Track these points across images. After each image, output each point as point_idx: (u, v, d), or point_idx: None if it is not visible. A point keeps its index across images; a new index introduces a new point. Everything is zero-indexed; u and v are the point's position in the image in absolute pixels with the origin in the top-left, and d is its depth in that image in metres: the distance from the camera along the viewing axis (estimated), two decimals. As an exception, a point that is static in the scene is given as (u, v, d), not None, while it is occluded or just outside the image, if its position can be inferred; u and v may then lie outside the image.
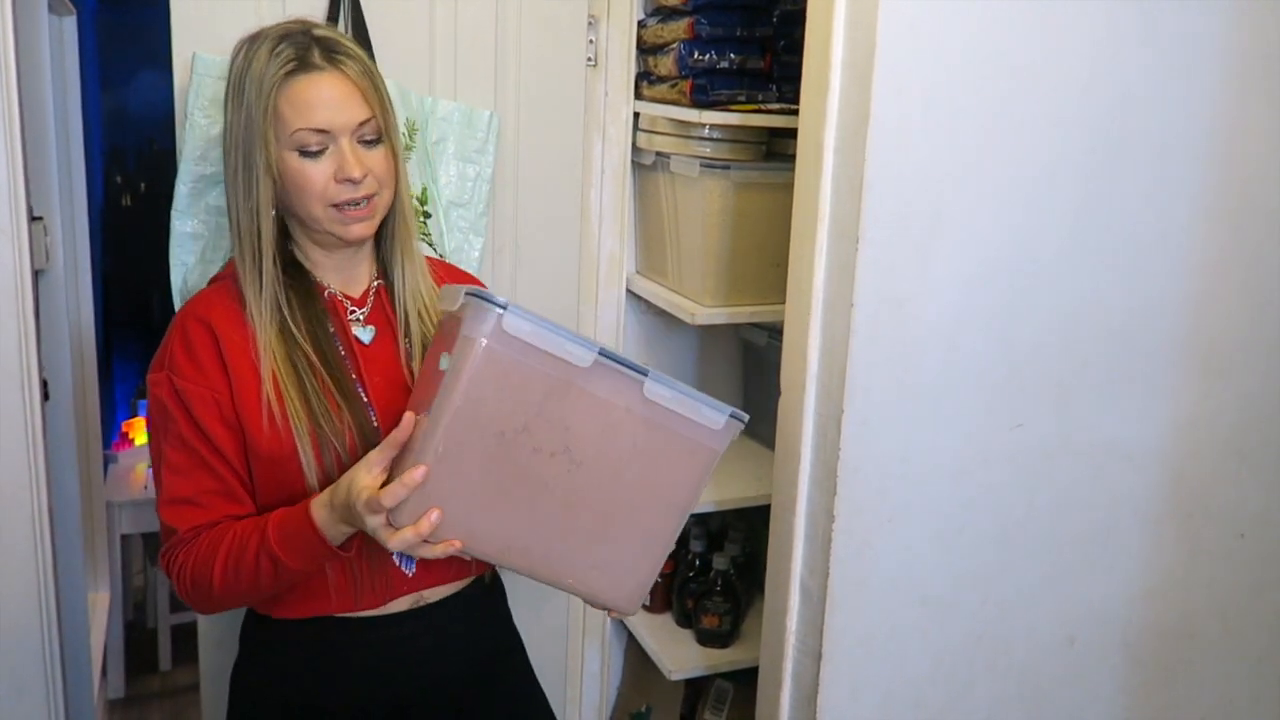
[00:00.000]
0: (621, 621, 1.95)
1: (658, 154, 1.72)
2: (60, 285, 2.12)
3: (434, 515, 0.94)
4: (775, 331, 1.83)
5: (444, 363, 0.96)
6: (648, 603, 1.90)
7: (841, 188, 1.12)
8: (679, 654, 1.79)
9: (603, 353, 0.96)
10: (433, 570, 1.16)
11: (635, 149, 1.77)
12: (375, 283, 1.18)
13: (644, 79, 1.73)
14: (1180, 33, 1.17)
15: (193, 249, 1.42)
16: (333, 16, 1.46)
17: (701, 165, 1.62)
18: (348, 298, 1.16)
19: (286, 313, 1.09)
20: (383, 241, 1.18)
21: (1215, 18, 1.17)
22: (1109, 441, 1.27)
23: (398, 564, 1.14)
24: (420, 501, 0.94)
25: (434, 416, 0.93)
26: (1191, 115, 1.20)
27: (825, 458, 1.17)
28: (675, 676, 1.77)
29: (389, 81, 1.47)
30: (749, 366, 2.01)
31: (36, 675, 1.38)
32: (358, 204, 1.08)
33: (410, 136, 1.50)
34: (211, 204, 1.41)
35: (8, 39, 1.27)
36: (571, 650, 1.91)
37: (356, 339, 1.14)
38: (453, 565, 1.17)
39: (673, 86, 1.64)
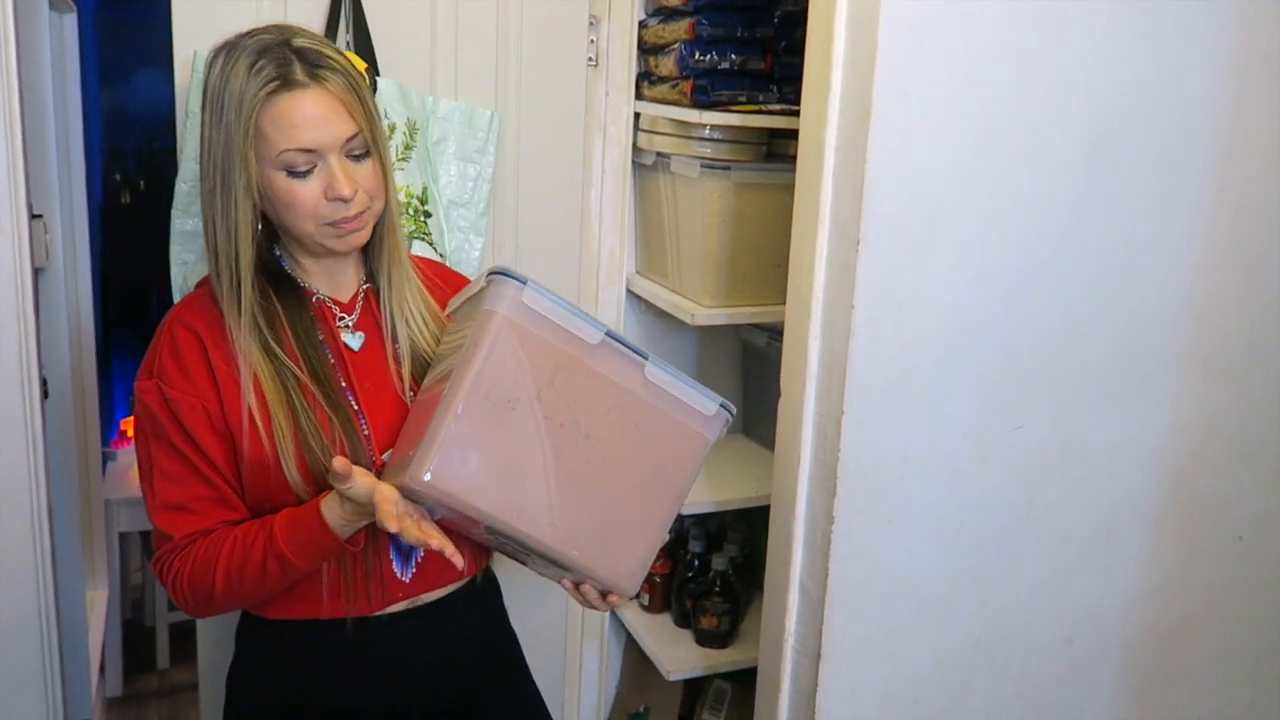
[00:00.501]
0: (620, 621, 1.95)
1: (658, 154, 1.72)
2: (60, 283, 2.12)
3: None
4: (775, 332, 1.83)
5: (452, 374, 1.01)
6: (645, 602, 1.90)
7: (842, 188, 1.12)
8: (677, 654, 1.79)
9: (609, 334, 1.03)
10: (428, 576, 1.15)
11: (636, 149, 1.77)
12: (364, 287, 1.17)
13: (645, 79, 1.74)
14: (1180, 33, 1.17)
15: (193, 247, 1.42)
16: (334, 16, 1.46)
17: (702, 166, 1.62)
18: (336, 303, 1.15)
19: (268, 332, 1.08)
20: (371, 248, 1.16)
21: (1214, 19, 1.18)
22: (1108, 443, 1.27)
23: (396, 573, 1.13)
24: (443, 456, 0.98)
25: (455, 382, 0.98)
26: (1191, 116, 1.20)
27: (825, 458, 1.17)
28: (674, 677, 1.77)
29: (390, 81, 1.48)
30: (749, 367, 2.01)
31: (35, 673, 1.38)
32: (349, 219, 1.06)
33: (411, 136, 1.50)
34: (212, 202, 1.40)
35: (8, 36, 1.27)
36: (570, 650, 1.91)
37: (346, 346, 1.13)
38: (448, 570, 1.17)
39: (673, 87, 1.64)
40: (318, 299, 1.14)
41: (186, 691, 2.57)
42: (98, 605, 2.49)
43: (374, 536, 1.07)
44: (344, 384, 1.11)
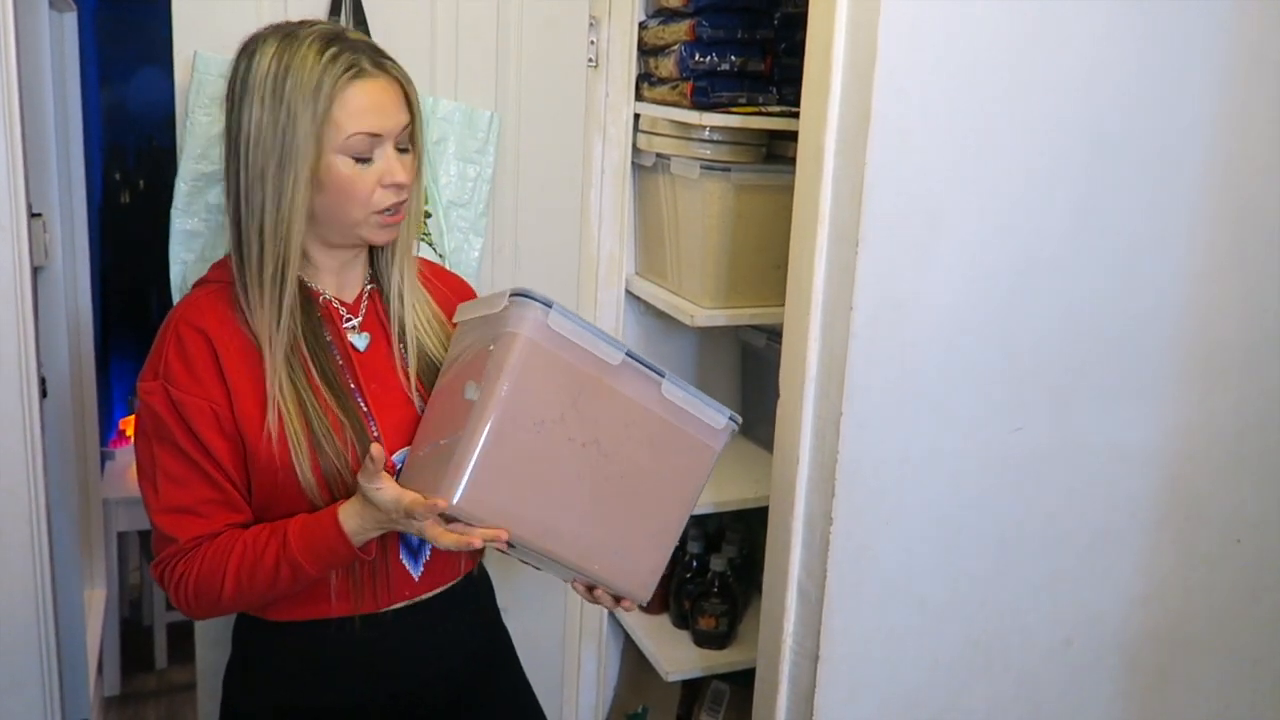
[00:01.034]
0: (618, 622, 1.95)
1: (658, 155, 1.72)
2: (59, 282, 2.12)
3: (505, 535, 1.00)
4: (774, 334, 1.83)
5: (470, 392, 1.02)
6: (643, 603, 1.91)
7: (842, 190, 1.12)
8: (676, 655, 1.79)
9: (629, 354, 1.06)
10: (436, 572, 1.15)
11: (635, 150, 1.77)
12: (368, 287, 1.17)
13: (645, 80, 1.74)
14: (1180, 35, 1.17)
15: (192, 247, 1.42)
16: (334, 16, 1.46)
17: (702, 167, 1.62)
18: (342, 303, 1.15)
19: (300, 332, 1.08)
20: (377, 254, 1.17)
21: (1214, 20, 1.18)
22: (1107, 445, 1.27)
23: (407, 569, 1.13)
24: (472, 480, 0.99)
25: (481, 404, 0.99)
26: (1191, 118, 1.20)
27: (824, 460, 1.17)
28: (672, 677, 1.77)
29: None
30: (748, 368, 2.01)
31: (32, 672, 1.38)
32: (393, 211, 1.09)
33: (411, 136, 1.50)
34: (211, 202, 1.41)
35: (8, 35, 1.27)
36: (568, 651, 1.91)
37: (353, 346, 1.13)
38: (454, 565, 1.17)
39: (673, 88, 1.64)
40: (324, 299, 1.14)
41: (184, 691, 2.57)
42: (96, 604, 2.49)
43: (384, 535, 1.07)
44: (352, 385, 1.11)
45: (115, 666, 2.54)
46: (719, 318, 1.67)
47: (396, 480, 1.03)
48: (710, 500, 1.74)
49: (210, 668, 1.54)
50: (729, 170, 1.62)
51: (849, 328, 1.12)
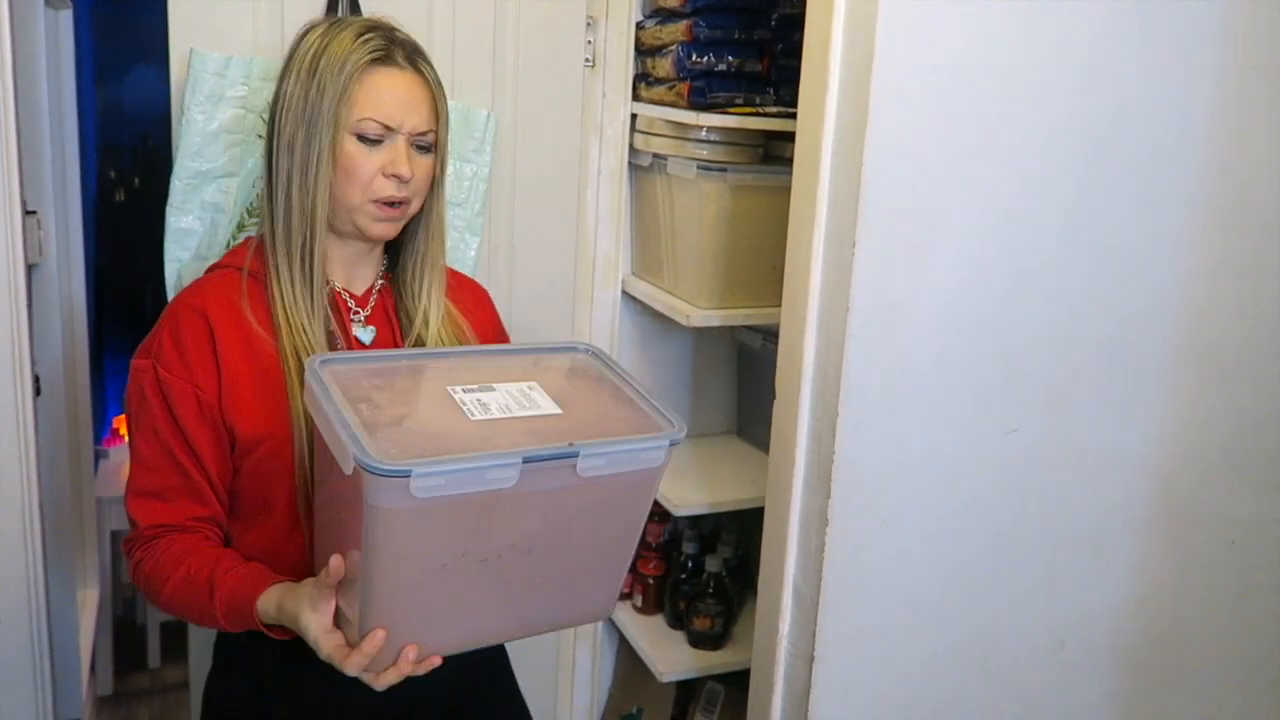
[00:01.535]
0: (614, 623, 1.95)
1: (655, 156, 1.72)
2: (53, 280, 2.12)
3: (412, 654, 0.94)
4: (770, 334, 1.83)
5: (355, 556, 0.91)
6: (638, 603, 1.90)
7: (839, 191, 1.12)
8: (670, 656, 1.79)
9: (528, 459, 0.87)
10: None
11: (632, 150, 1.77)
12: (379, 282, 1.18)
13: (642, 80, 1.74)
14: (1176, 38, 1.17)
15: (188, 245, 1.41)
16: (331, 14, 1.46)
17: (698, 167, 1.62)
18: (351, 295, 1.16)
19: (304, 302, 1.09)
20: (405, 251, 1.17)
21: (1211, 24, 1.18)
22: (1101, 447, 1.28)
23: None
24: (386, 647, 0.93)
25: (364, 584, 0.89)
26: (1188, 121, 1.21)
27: (819, 461, 1.17)
28: (667, 678, 1.77)
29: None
30: (744, 369, 2.01)
31: (25, 671, 1.37)
32: (394, 204, 1.09)
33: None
34: (207, 200, 1.40)
35: (3, 32, 1.26)
36: (563, 652, 1.91)
37: (357, 339, 1.14)
38: None
39: (670, 88, 1.64)
40: (332, 288, 1.14)
41: (177, 690, 2.56)
42: (89, 604, 2.48)
43: None
44: None
45: (108, 665, 2.54)
46: (715, 318, 1.67)
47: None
48: (705, 501, 1.74)
49: (203, 667, 1.53)
50: (726, 171, 1.62)
51: (845, 329, 1.12)
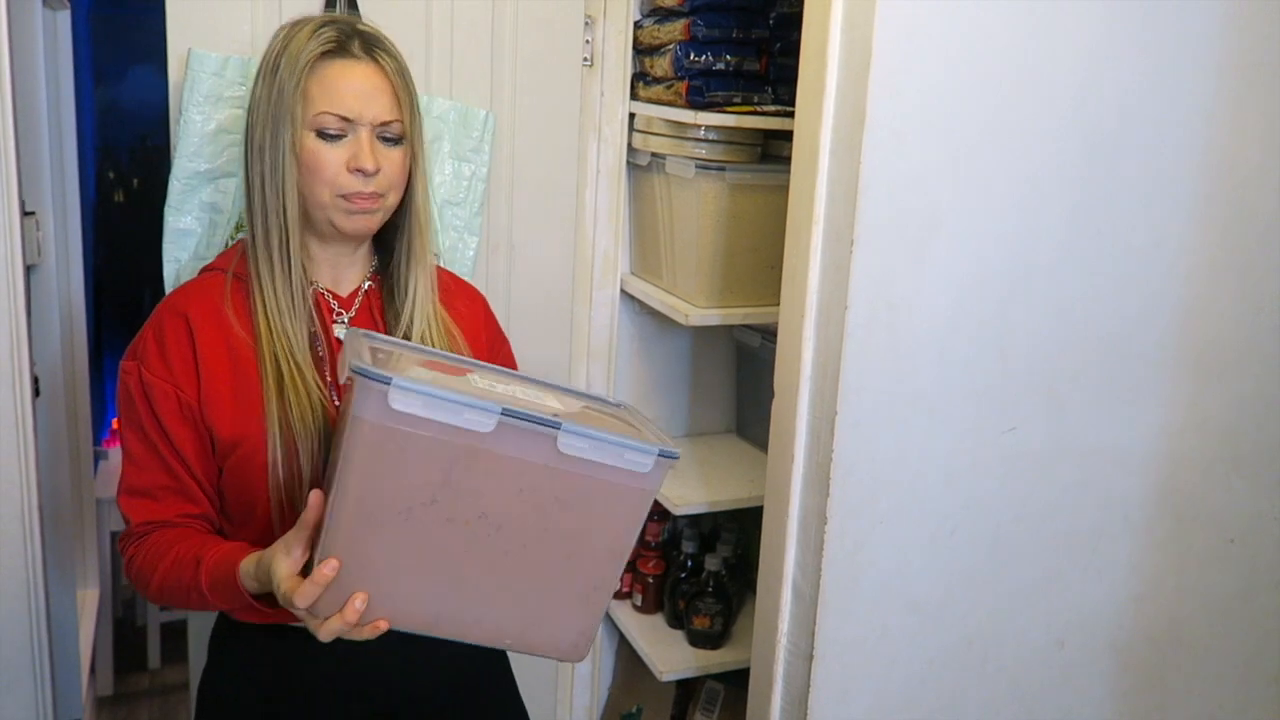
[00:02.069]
0: (613, 622, 1.95)
1: (653, 155, 1.72)
2: (52, 281, 2.11)
3: (358, 601, 0.90)
4: (769, 333, 1.83)
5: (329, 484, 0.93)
6: (638, 602, 1.90)
7: (837, 190, 1.12)
8: (670, 655, 1.79)
9: (507, 412, 0.88)
10: None
11: (631, 149, 1.77)
12: (366, 284, 1.17)
13: (640, 80, 1.74)
14: (1175, 40, 1.17)
15: (186, 245, 1.41)
16: (329, 12, 1.46)
17: (697, 166, 1.62)
18: (335, 296, 1.15)
19: (286, 305, 1.08)
20: (391, 249, 1.16)
21: (1210, 25, 1.18)
22: (1101, 446, 1.28)
23: None
24: (338, 590, 0.91)
25: (332, 503, 0.89)
26: (1186, 122, 1.21)
27: (818, 460, 1.17)
28: (666, 677, 1.77)
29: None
30: (742, 368, 2.01)
31: (25, 672, 1.37)
32: (365, 197, 1.07)
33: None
34: (205, 200, 1.40)
35: (1, 33, 1.26)
36: (562, 650, 1.91)
37: (338, 341, 1.13)
38: None
39: (669, 87, 1.64)
40: (316, 289, 1.14)
41: (177, 691, 2.56)
42: (88, 604, 2.48)
43: None
44: (330, 379, 1.11)
45: (108, 666, 2.54)
46: (713, 317, 1.67)
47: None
48: (705, 500, 1.74)
49: (203, 668, 1.53)
50: (724, 170, 1.62)
51: (844, 328, 1.12)
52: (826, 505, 1.16)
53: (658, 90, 1.68)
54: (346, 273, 1.16)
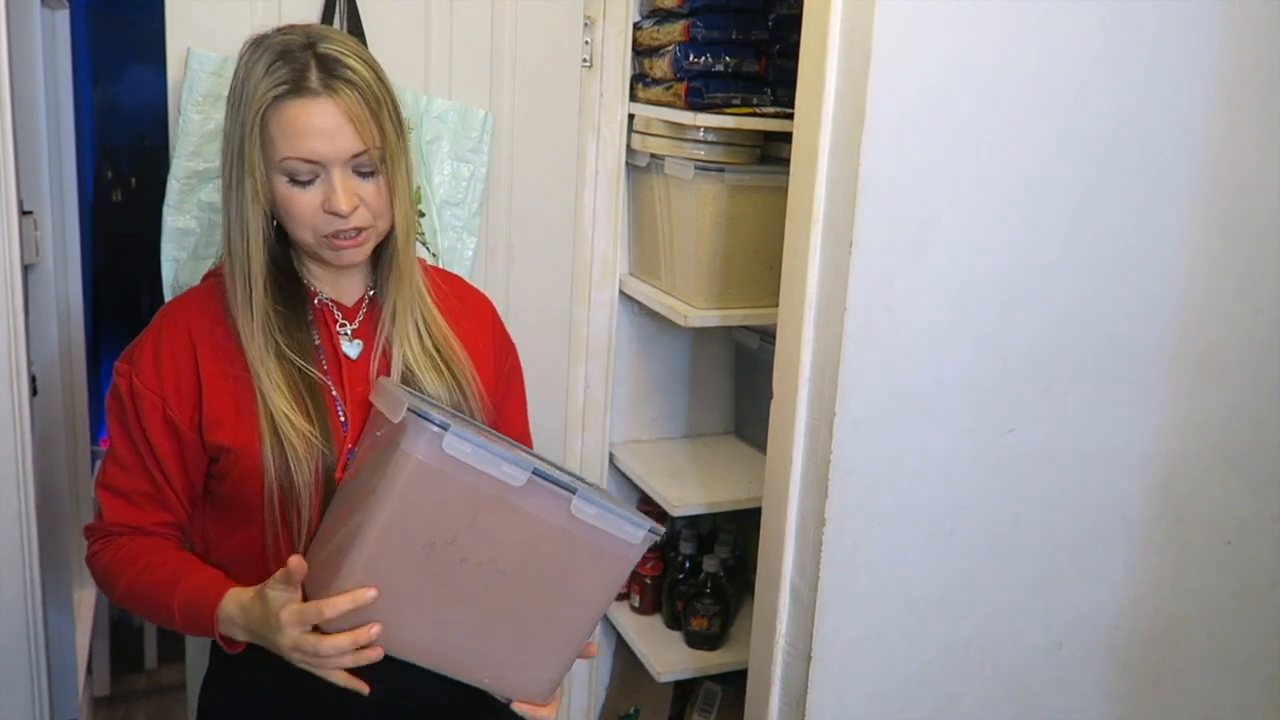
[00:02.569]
0: (611, 623, 1.95)
1: (652, 156, 1.72)
2: (50, 280, 2.11)
3: (374, 630, 0.94)
4: (768, 334, 1.83)
5: (361, 508, 0.97)
6: (636, 603, 1.90)
7: (836, 191, 1.12)
8: (668, 656, 1.79)
9: (536, 472, 0.98)
10: None
11: (630, 151, 1.77)
12: (369, 293, 1.15)
13: (639, 81, 1.74)
14: (1174, 40, 1.18)
15: (185, 245, 1.41)
16: (328, 14, 1.46)
17: (696, 168, 1.62)
18: (339, 307, 1.13)
19: (279, 337, 1.07)
20: (379, 265, 1.14)
21: (1209, 26, 1.18)
22: (1099, 447, 1.28)
23: None
24: (354, 610, 0.96)
25: (365, 522, 0.95)
26: (1184, 124, 1.21)
27: (817, 461, 1.17)
28: (664, 678, 1.77)
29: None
30: (741, 369, 2.01)
31: (21, 672, 1.37)
32: (350, 234, 1.04)
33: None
34: (204, 200, 1.40)
35: (0, 32, 1.26)
36: (560, 651, 1.91)
37: (345, 355, 1.12)
38: None
39: (668, 89, 1.64)
40: (320, 301, 1.13)
41: (174, 691, 2.56)
42: (85, 604, 2.48)
43: None
44: (334, 394, 1.10)
45: (105, 666, 2.53)
46: (712, 318, 1.67)
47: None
48: (703, 501, 1.74)
49: (200, 668, 1.53)
50: (723, 171, 1.62)
51: (843, 329, 1.12)
52: (825, 506, 1.16)
53: (657, 91, 1.68)
54: (348, 285, 1.15)
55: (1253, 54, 1.21)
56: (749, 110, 1.60)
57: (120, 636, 2.64)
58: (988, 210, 1.15)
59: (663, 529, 1.07)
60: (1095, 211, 1.20)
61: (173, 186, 1.39)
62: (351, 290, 1.15)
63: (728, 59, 1.59)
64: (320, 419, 1.07)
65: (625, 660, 1.99)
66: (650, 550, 1.88)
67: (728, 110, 1.59)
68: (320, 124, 0.99)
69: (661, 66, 1.64)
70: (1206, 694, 1.43)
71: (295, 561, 0.95)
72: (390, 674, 1.12)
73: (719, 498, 1.75)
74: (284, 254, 1.11)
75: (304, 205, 1.02)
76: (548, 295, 1.73)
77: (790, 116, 1.21)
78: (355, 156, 1.02)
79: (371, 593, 0.93)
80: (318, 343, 1.11)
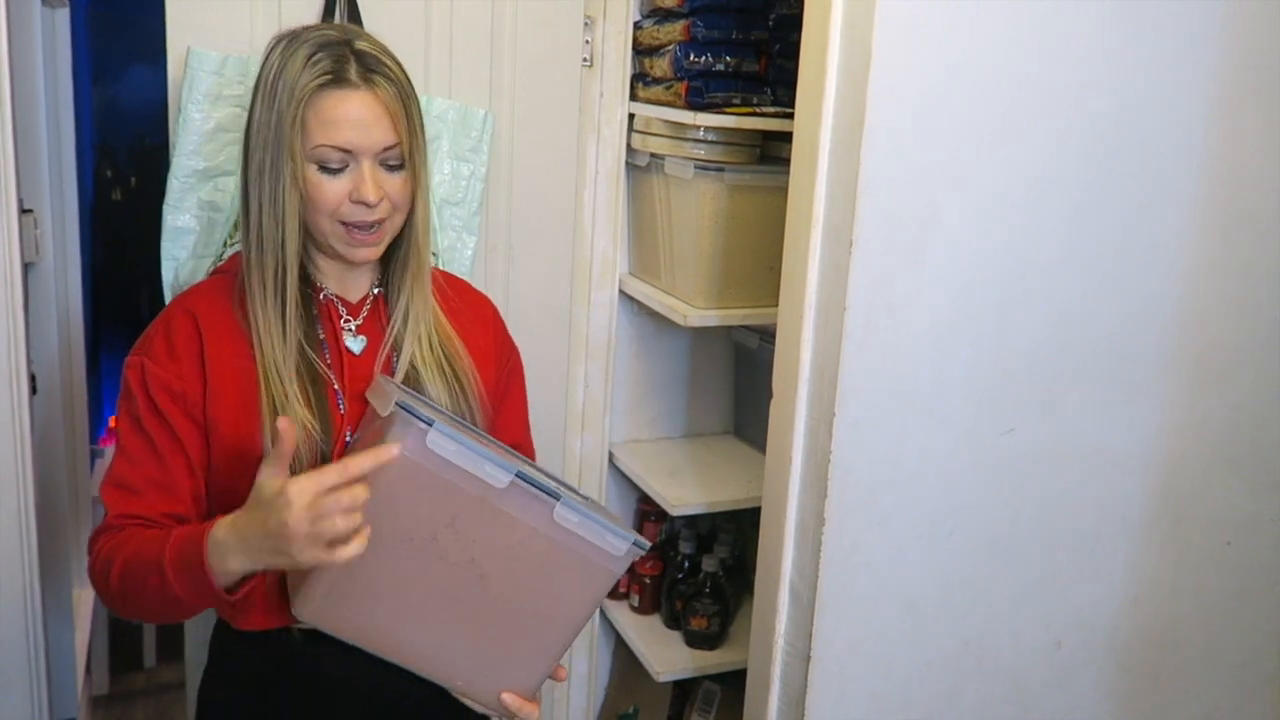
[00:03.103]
0: (610, 623, 1.95)
1: (652, 155, 1.72)
2: (49, 279, 2.11)
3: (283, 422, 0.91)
4: (767, 334, 1.83)
5: None
6: (635, 603, 1.90)
7: (836, 191, 1.12)
8: (667, 655, 1.79)
9: (520, 475, 0.98)
10: None
11: (630, 150, 1.77)
12: (375, 290, 1.16)
13: (639, 80, 1.74)
14: (1174, 40, 1.18)
15: (184, 244, 1.41)
16: (328, 13, 1.46)
17: (696, 167, 1.62)
18: (344, 303, 1.14)
19: (300, 326, 1.07)
20: (390, 262, 1.15)
21: (1209, 26, 1.18)
22: (1099, 447, 1.28)
23: None
24: (330, 589, 0.98)
25: None
26: (1184, 124, 1.21)
27: (816, 461, 1.17)
28: (663, 678, 1.77)
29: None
30: (740, 369, 2.01)
31: (20, 671, 1.37)
32: (369, 228, 1.06)
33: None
34: (204, 199, 1.40)
35: (0, 30, 1.26)
36: (559, 651, 1.91)
37: (348, 349, 1.13)
38: None
39: (668, 88, 1.64)
40: (325, 296, 1.13)
41: (173, 690, 2.56)
42: (84, 603, 2.48)
43: None
44: (335, 388, 1.10)
45: (104, 665, 2.53)
46: (712, 318, 1.67)
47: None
48: (702, 501, 1.74)
49: (199, 667, 1.53)
50: (723, 170, 1.62)
51: (842, 329, 1.12)
52: (824, 506, 1.16)
53: (657, 91, 1.68)
54: (354, 281, 1.15)
55: (1253, 54, 1.21)
56: (749, 110, 1.60)
57: (119, 635, 2.64)
58: (988, 210, 1.15)
59: (648, 543, 1.06)
60: (1095, 211, 1.20)
61: (172, 185, 1.39)
62: (358, 287, 1.15)
63: (728, 59, 1.59)
64: (321, 411, 1.08)
65: (624, 660, 1.99)
66: (650, 550, 1.89)
67: (728, 110, 1.59)
68: (356, 115, 1.03)
69: (662, 66, 1.64)
70: (1206, 694, 1.43)
71: (283, 422, 0.91)
72: (384, 664, 1.12)
73: (718, 497, 1.76)
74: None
75: (330, 193, 1.04)
76: (547, 295, 1.73)
77: (790, 116, 1.21)
78: (386, 150, 1.05)
79: (395, 449, 0.90)
80: (322, 337, 1.11)
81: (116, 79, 2.90)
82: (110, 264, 2.93)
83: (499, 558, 1.00)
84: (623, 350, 1.90)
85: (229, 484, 1.07)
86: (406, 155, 1.07)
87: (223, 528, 0.94)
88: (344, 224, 1.06)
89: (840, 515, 1.17)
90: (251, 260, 1.07)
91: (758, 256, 1.66)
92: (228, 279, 1.12)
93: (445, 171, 1.54)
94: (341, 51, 1.03)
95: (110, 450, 2.67)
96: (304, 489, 0.87)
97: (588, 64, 1.69)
